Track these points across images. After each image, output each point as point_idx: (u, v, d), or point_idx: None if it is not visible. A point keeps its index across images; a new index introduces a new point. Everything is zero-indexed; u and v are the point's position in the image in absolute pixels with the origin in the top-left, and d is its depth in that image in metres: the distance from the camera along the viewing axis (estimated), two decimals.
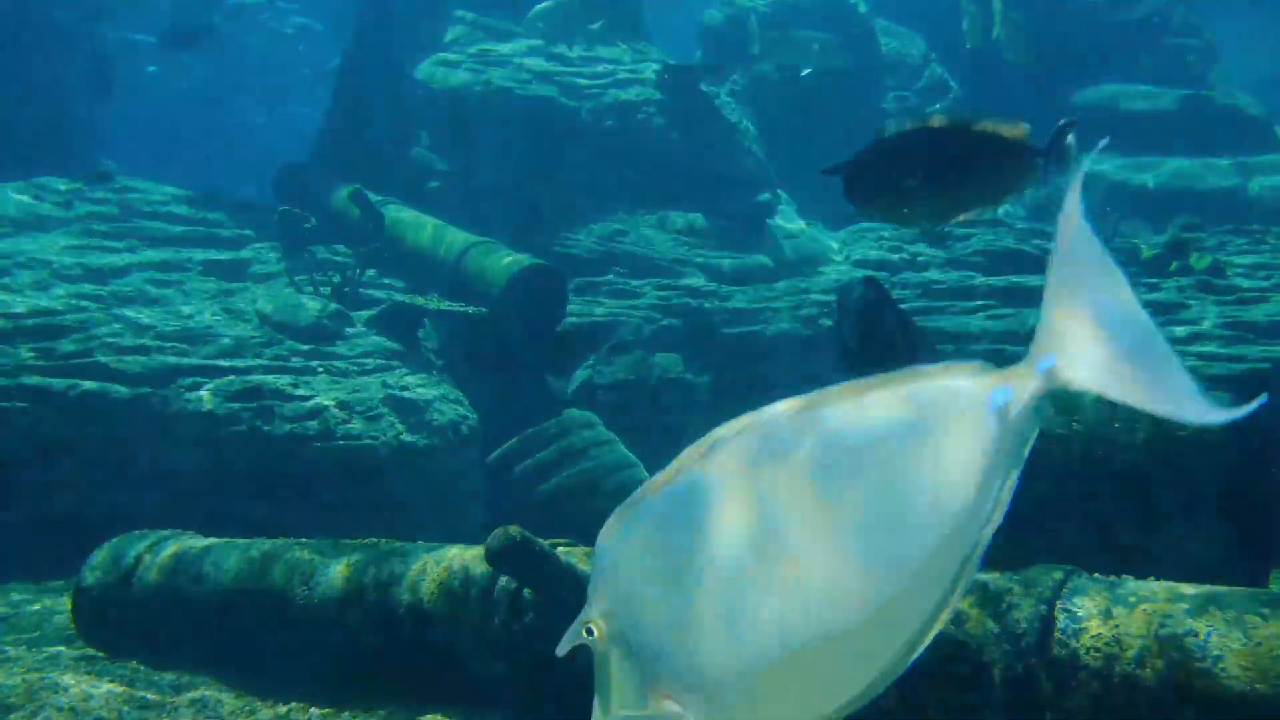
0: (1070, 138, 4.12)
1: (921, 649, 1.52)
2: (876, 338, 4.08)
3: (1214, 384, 8.91)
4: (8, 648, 5.81)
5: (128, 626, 5.50)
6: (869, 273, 11.61)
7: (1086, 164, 1.59)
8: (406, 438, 8.28)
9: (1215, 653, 3.43)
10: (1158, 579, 3.92)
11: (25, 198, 11.13)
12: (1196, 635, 3.49)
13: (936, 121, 4.05)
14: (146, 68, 22.94)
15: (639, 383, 10.39)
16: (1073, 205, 1.52)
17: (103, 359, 8.03)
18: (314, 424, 8.08)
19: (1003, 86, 14.73)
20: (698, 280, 11.63)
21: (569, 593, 4.51)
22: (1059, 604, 3.76)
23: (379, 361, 9.07)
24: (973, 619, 3.84)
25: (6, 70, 13.46)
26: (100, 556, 5.69)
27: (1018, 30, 13.70)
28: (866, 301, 4.08)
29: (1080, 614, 3.71)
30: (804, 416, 1.55)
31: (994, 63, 14.32)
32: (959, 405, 1.52)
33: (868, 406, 1.53)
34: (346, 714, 4.71)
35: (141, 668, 5.27)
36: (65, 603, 6.11)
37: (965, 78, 15.95)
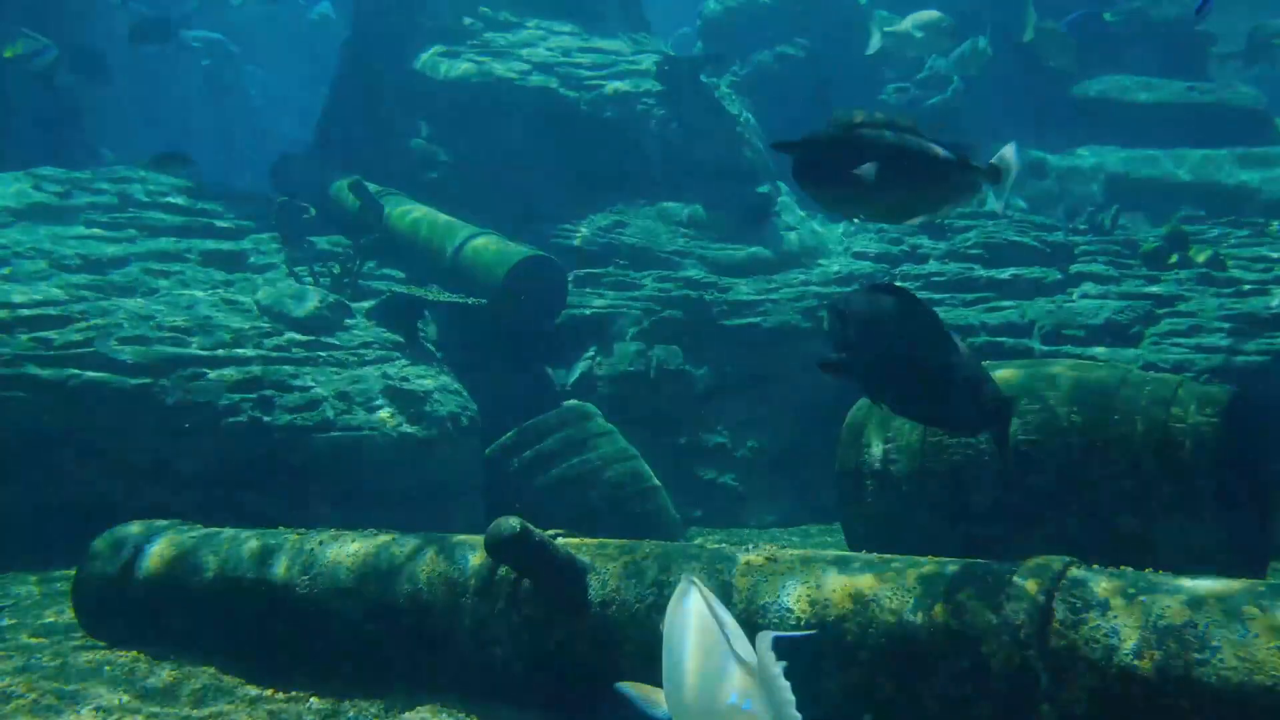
0: (1013, 156, 4.14)
1: None
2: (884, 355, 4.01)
3: (1213, 376, 8.91)
4: (8, 637, 5.82)
5: (129, 616, 5.51)
6: (887, 272, 11.61)
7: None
8: (406, 428, 8.28)
9: (1213, 644, 3.44)
10: (1156, 570, 3.93)
11: (24, 187, 11.12)
12: (1195, 627, 3.50)
13: (890, 119, 4.02)
14: (201, 61, 23.14)
15: (638, 374, 10.39)
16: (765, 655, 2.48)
17: (102, 349, 8.02)
18: (314, 415, 8.09)
19: (1001, 79, 14.71)
20: (698, 272, 11.63)
21: (568, 582, 4.52)
22: (1057, 595, 3.76)
23: (379, 352, 9.07)
24: (971, 610, 3.84)
25: (5, 62, 13.45)
26: (101, 546, 5.70)
27: (1055, 38, 13.59)
28: (868, 316, 3.98)
29: (1078, 605, 3.71)
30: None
31: (992, 55, 14.30)
32: (724, 689, 2.55)
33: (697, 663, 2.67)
34: (346, 703, 4.72)
35: (143, 657, 5.28)
36: (67, 592, 6.11)
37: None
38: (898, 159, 3.96)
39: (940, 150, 4.06)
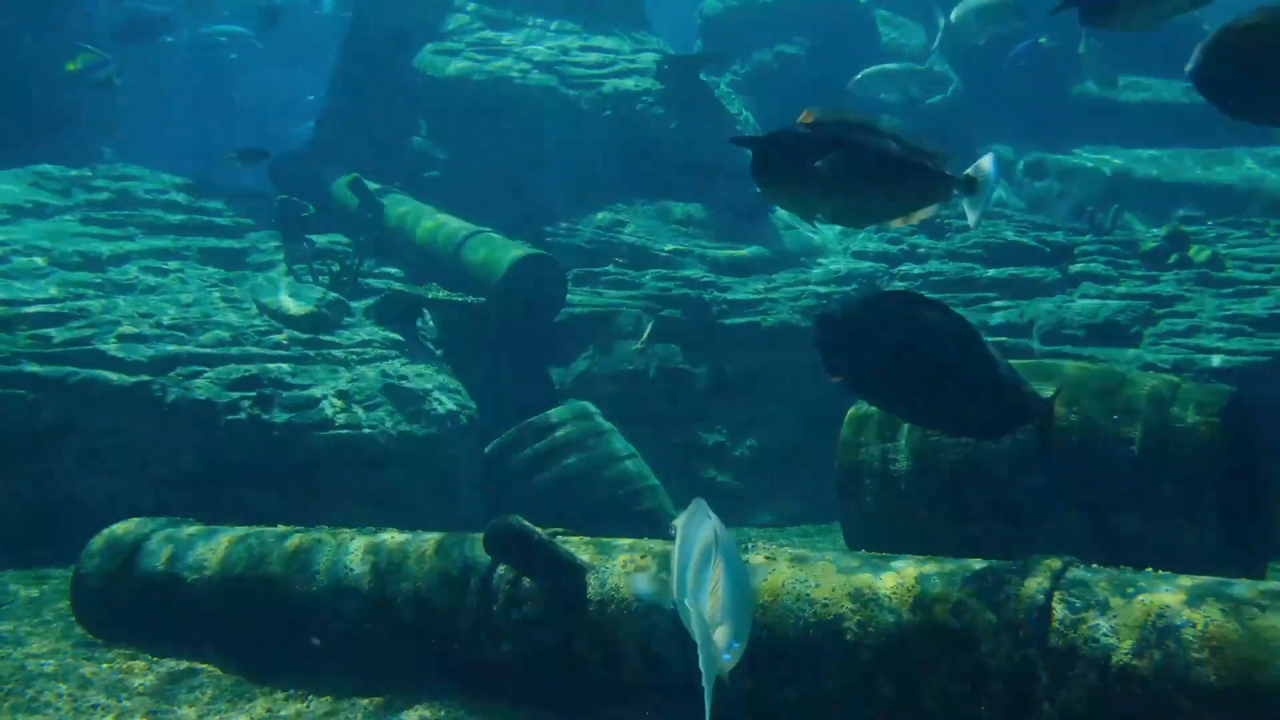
0: (990, 164, 4.03)
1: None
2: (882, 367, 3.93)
3: (1213, 376, 8.91)
4: (5, 636, 5.81)
5: (127, 613, 5.50)
6: (886, 272, 11.59)
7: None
8: (406, 427, 8.27)
9: (1213, 644, 3.44)
10: (1155, 570, 3.93)
11: (24, 185, 11.11)
12: (1194, 626, 3.50)
13: (860, 119, 3.88)
14: (229, 55, 23.20)
15: (638, 373, 10.39)
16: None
17: (101, 347, 8.02)
18: (313, 413, 8.08)
19: (1002, 78, 14.70)
20: (697, 271, 11.62)
21: (567, 581, 4.52)
22: (1057, 594, 3.76)
23: (378, 351, 9.06)
24: (971, 610, 3.84)
25: (5, 57, 13.45)
26: (99, 543, 5.69)
27: (1098, 56, 13.57)
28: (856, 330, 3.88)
29: (1078, 605, 3.71)
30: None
31: (992, 54, 14.29)
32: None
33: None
34: (344, 702, 4.72)
35: (141, 654, 5.27)
36: (64, 590, 6.11)
37: (964, 69, 15.92)
38: (855, 160, 3.83)
39: (908, 153, 3.91)
